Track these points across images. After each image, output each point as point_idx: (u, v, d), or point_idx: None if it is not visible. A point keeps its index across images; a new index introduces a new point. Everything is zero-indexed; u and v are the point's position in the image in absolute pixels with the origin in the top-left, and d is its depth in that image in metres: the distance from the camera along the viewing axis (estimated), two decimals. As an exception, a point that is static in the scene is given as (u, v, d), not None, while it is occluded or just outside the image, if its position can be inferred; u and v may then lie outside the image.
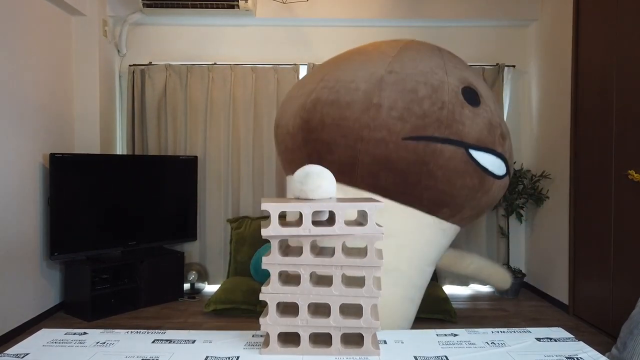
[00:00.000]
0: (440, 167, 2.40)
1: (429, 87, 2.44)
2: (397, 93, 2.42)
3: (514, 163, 4.24)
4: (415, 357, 1.48)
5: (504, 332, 1.71)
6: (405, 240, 2.53)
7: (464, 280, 4.17)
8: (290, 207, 1.48)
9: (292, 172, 2.87)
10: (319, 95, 2.54)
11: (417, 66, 2.52)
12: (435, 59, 2.60)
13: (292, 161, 2.78)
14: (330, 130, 2.46)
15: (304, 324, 1.48)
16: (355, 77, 2.51)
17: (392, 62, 2.54)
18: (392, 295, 2.51)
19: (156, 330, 1.69)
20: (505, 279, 3.21)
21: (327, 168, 2.56)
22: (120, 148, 4.26)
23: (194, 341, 1.60)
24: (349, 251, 1.58)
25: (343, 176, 2.52)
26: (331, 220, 1.57)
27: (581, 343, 1.60)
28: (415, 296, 2.65)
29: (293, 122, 2.64)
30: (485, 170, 2.50)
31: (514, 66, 4.19)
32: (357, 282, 1.55)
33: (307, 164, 2.64)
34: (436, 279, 3.98)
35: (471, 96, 2.53)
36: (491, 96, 2.72)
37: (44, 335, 1.66)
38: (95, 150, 3.83)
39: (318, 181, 1.55)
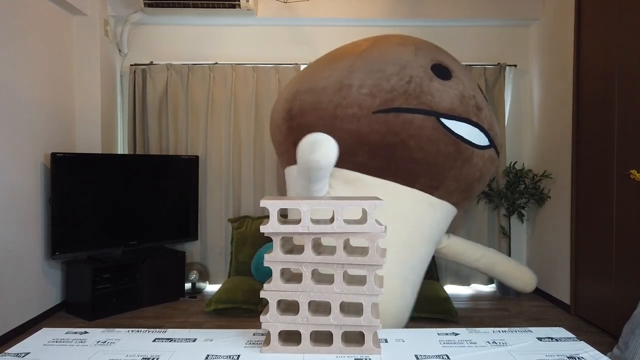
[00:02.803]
0: (412, 136, 2.50)
1: (396, 66, 2.62)
2: (366, 74, 2.59)
3: (515, 163, 4.23)
4: (416, 355, 1.48)
5: (505, 331, 1.71)
6: (389, 214, 2.57)
7: (465, 280, 4.16)
8: (289, 205, 1.48)
9: (287, 163, 2.96)
10: (299, 87, 2.76)
11: (385, 52, 2.71)
12: (406, 46, 2.77)
13: (282, 153, 2.95)
14: (309, 115, 2.63)
15: (305, 322, 1.48)
16: (330, 68, 2.72)
17: (363, 52, 2.74)
18: (384, 272, 2.51)
19: (157, 329, 1.69)
20: (528, 281, 3.07)
21: None
22: (121, 147, 4.26)
23: (194, 340, 1.60)
24: (353, 250, 1.58)
25: None
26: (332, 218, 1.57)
27: (582, 343, 1.59)
28: (409, 276, 2.64)
29: (279, 115, 2.85)
30: (460, 138, 2.57)
31: (515, 66, 4.18)
32: (358, 281, 1.55)
33: (293, 151, 2.73)
34: (437, 279, 3.97)
35: (441, 71, 2.67)
36: (467, 75, 2.83)
37: (45, 334, 1.66)
38: (97, 149, 3.83)
39: (325, 147, 1.52)
